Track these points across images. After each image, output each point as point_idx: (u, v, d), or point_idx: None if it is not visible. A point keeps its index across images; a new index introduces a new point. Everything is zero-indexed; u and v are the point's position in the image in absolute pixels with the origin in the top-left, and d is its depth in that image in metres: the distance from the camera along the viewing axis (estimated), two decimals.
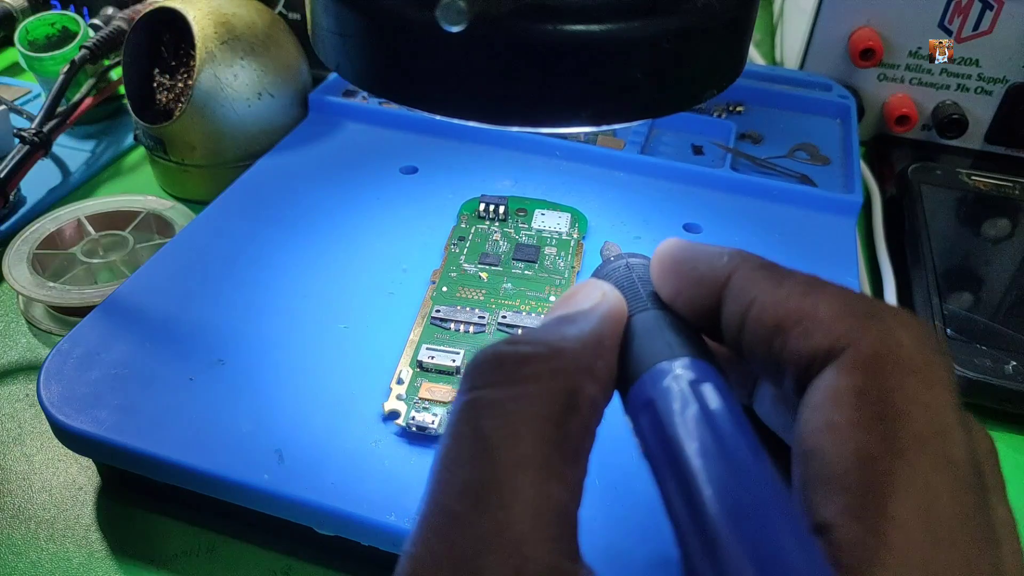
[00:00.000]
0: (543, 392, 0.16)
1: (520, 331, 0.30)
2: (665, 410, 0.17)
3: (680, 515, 0.16)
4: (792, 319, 0.17)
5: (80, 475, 0.31)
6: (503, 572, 0.14)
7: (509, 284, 0.35)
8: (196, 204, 0.43)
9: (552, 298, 0.34)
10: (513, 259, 0.36)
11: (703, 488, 0.15)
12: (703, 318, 0.19)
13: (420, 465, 0.27)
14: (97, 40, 0.47)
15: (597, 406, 0.18)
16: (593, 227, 0.39)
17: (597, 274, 0.22)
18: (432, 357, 0.30)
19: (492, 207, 0.38)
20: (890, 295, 0.41)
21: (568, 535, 0.15)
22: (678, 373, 0.18)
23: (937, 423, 0.15)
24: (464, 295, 0.34)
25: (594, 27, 0.20)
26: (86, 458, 0.28)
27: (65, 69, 0.45)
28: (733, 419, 0.16)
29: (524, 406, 0.16)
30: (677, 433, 0.16)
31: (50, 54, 0.49)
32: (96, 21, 0.50)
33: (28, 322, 0.38)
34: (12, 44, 0.51)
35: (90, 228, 0.41)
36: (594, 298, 0.20)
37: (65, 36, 0.51)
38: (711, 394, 0.17)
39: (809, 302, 0.17)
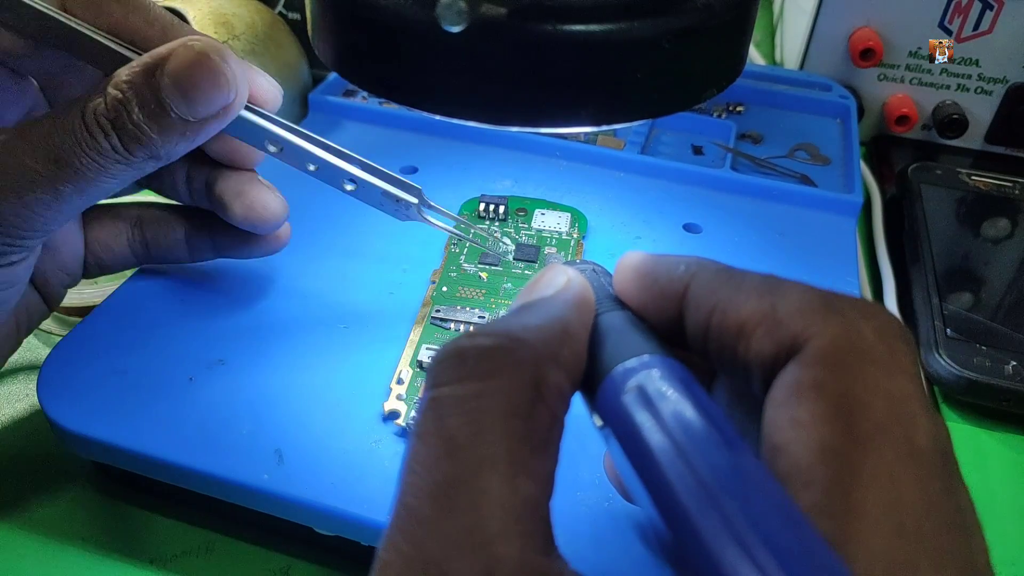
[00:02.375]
0: (506, 385, 0.16)
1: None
2: (641, 406, 0.17)
3: (665, 509, 0.15)
4: (753, 321, 0.17)
5: (79, 475, 0.31)
6: (474, 573, 0.14)
7: (509, 284, 0.35)
8: None
9: None
10: (513, 259, 0.36)
11: (682, 478, 0.15)
12: (668, 328, 0.19)
13: None
14: None
15: (564, 394, 0.17)
16: (593, 227, 0.39)
17: None
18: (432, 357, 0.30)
19: (492, 207, 0.38)
20: (890, 295, 0.41)
21: (540, 530, 0.15)
22: (651, 369, 0.17)
23: (899, 412, 0.15)
24: (464, 295, 0.34)
25: (594, 27, 0.20)
26: (85, 458, 0.28)
27: None
28: (708, 412, 0.16)
29: (488, 401, 0.16)
30: (654, 430, 0.16)
31: None
32: None
33: None
34: None
35: None
36: (558, 284, 0.19)
37: None
38: (685, 389, 0.17)
39: (768, 302, 0.17)
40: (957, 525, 0.15)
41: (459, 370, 0.16)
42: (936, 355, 0.36)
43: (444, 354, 0.17)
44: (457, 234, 0.33)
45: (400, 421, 0.28)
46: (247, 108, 0.28)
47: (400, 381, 0.30)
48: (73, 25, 0.26)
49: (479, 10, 0.19)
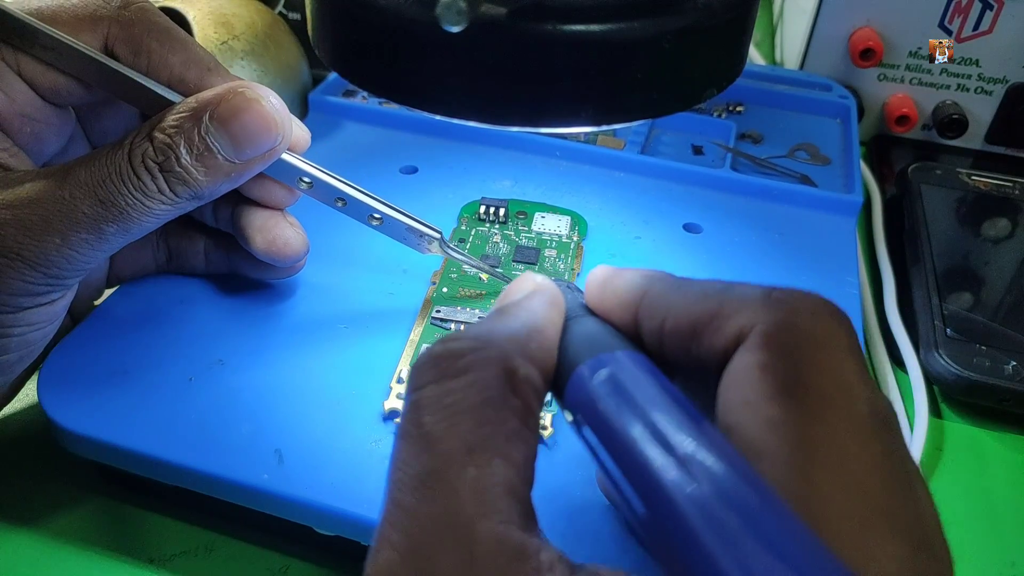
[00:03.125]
0: (477, 379, 0.17)
1: None
2: (609, 392, 0.18)
3: (641, 487, 0.16)
4: (703, 321, 0.19)
5: (79, 475, 0.31)
6: (457, 552, 0.15)
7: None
8: None
9: None
10: (513, 261, 0.36)
11: (657, 455, 0.16)
12: (631, 336, 0.21)
13: None
14: None
15: (535, 385, 0.19)
16: (593, 227, 0.39)
17: None
18: None
19: (492, 209, 0.38)
20: (890, 295, 0.41)
21: (518, 510, 0.16)
22: (618, 360, 0.19)
23: (839, 384, 0.17)
24: (464, 295, 0.34)
25: (594, 27, 0.20)
26: (85, 458, 0.28)
27: None
28: (674, 394, 0.17)
29: (460, 395, 0.17)
30: (622, 412, 0.17)
31: None
32: None
33: None
34: None
35: None
36: (526, 288, 0.21)
37: None
38: (651, 376, 0.18)
39: (716, 302, 0.19)
40: (902, 483, 0.16)
41: (434, 371, 0.18)
42: (936, 355, 0.36)
43: (421, 359, 0.18)
44: (477, 267, 0.34)
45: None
46: None
47: (401, 380, 0.30)
48: (113, 67, 0.27)
49: (479, 10, 0.19)
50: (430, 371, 0.18)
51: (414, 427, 0.17)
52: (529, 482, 0.17)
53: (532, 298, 0.21)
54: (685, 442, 0.16)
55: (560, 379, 0.20)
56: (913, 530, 0.15)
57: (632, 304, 0.21)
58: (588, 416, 0.18)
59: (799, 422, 0.16)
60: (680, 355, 0.19)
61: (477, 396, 0.17)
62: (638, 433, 0.16)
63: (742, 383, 0.17)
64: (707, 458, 0.15)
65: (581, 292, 0.23)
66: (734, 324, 0.18)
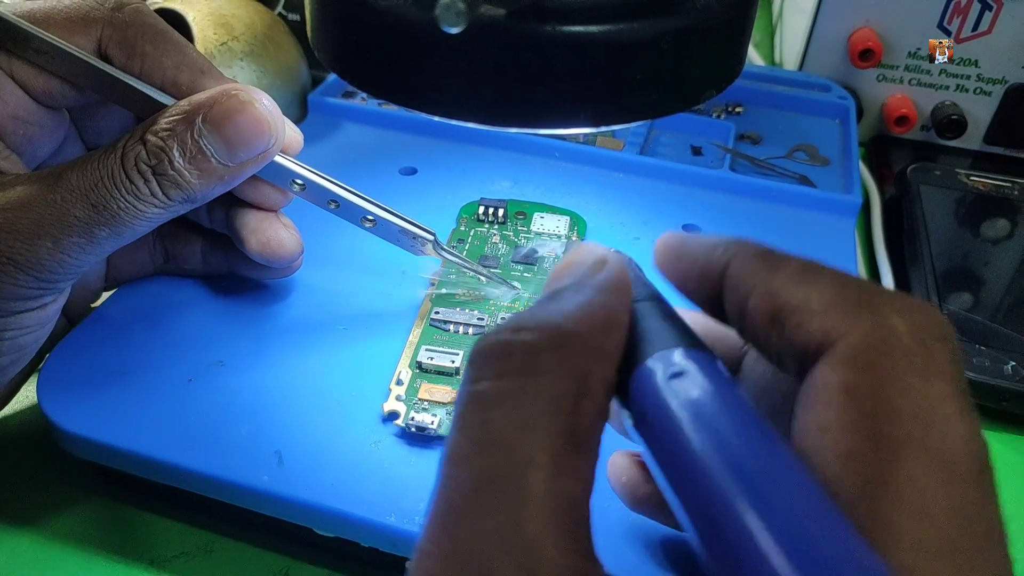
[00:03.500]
0: (554, 381, 0.16)
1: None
2: (679, 398, 0.16)
3: (700, 506, 0.15)
4: (787, 310, 0.17)
5: (79, 476, 0.31)
6: (515, 573, 0.14)
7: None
8: None
9: None
10: (512, 261, 0.36)
11: (716, 468, 0.14)
12: (709, 307, 0.19)
13: (420, 466, 0.27)
14: None
15: (609, 385, 0.17)
16: (592, 228, 0.39)
17: None
18: (431, 358, 0.30)
19: (491, 210, 0.38)
20: None
21: (582, 532, 0.15)
22: (682, 362, 0.17)
23: (932, 417, 0.15)
24: (463, 297, 0.34)
25: (593, 28, 0.20)
26: (85, 459, 0.28)
27: None
28: (748, 407, 0.16)
29: (533, 398, 0.15)
30: (693, 422, 0.16)
31: None
32: None
33: None
34: None
35: None
36: (588, 262, 0.19)
37: None
38: (725, 384, 0.16)
39: (803, 292, 0.17)
40: (991, 539, 0.14)
41: (503, 365, 0.16)
42: None
43: (487, 347, 0.16)
44: (470, 269, 0.34)
45: (399, 422, 0.28)
46: None
47: (399, 382, 0.30)
48: (106, 70, 0.27)
49: (478, 11, 0.19)
50: (499, 363, 0.16)
51: (479, 422, 0.15)
52: (590, 495, 0.15)
53: (602, 277, 0.18)
54: (757, 469, 0.14)
55: (622, 372, 0.18)
56: None
57: (714, 275, 0.18)
58: (655, 420, 0.16)
59: (881, 459, 0.14)
60: (760, 336, 0.17)
61: (552, 399, 0.15)
62: (710, 458, 0.15)
63: (822, 405, 0.15)
64: (780, 488, 0.14)
65: (637, 266, 0.21)
66: (819, 325, 0.16)
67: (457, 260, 0.33)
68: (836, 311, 0.16)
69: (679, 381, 0.16)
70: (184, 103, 0.27)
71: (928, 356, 0.15)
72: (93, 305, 0.34)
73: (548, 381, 0.16)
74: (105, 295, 0.34)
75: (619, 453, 0.23)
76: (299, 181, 0.30)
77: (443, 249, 0.33)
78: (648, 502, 0.23)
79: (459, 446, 0.15)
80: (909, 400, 0.15)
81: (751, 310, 0.17)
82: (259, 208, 0.31)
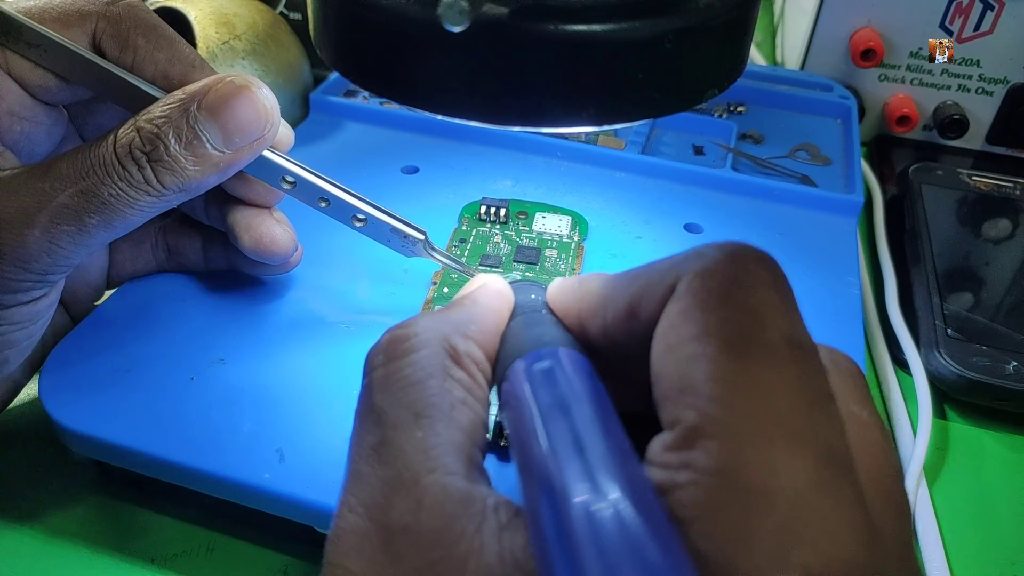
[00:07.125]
0: (419, 358, 0.19)
1: None
2: (539, 384, 0.19)
3: (536, 491, 0.17)
4: (637, 296, 0.19)
5: (80, 474, 0.31)
6: (408, 503, 0.17)
7: None
8: None
9: None
10: (514, 261, 0.36)
11: (558, 461, 0.16)
12: (585, 344, 0.21)
13: None
14: None
15: (477, 360, 0.20)
16: (593, 227, 0.39)
17: None
18: None
19: (493, 210, 0.38)
20: (891, 295, 0.41)
21: (465, 464, 0.18)
22: (557, 358, 0.19)
23: (755, 317, 0.17)
24: None
25: (596, 27, 0.20)
26: (86, 457, 0.28)
27: None
28: (604, 404, 0.18)
29: (405, 373, 0.19)
30: (549, 412, 0.18)
31: None
32: None
33: None
34: None
35: None
36: (474, 286, 0.23)
37: None
38: (585, 378, 0.19)
39: (644, 279, 0.19)
40: (811, 403, 0.16)
41: (382, 356, 0.20)
42: (937, 354, 0.36)
43: (372, 349, 0.20)
44: (461, 270, 0.33)
45: None
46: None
47: None
48: (99, 63, 0.27)
49: (481, 10, 0.20)
50: (379, 356, 0.20)
51: (366, 406, 0.19)
52: (477, 444, 0.19)
53: (476, 292, 0.23)
54: (592, 449, 0.16)
55: (501, 371, 0.21)
56: (817, 444, 0.16)
57: (573, 311, 0.21)
58: (512, 407, 0.19)
59: (716, 356, 0.16)
60: (629, 344, 0.19)
61: (420, 371, 0.19)
62: (552, 430, 0.17)
63: (666, 332, 0.17)
64: (608, 471, 0.16)
65: (542, 289, 0.24)
66: (661, 284, 0.18)
67: (446, 261, 0.33)
68: (674, 268, 0.18)
69: (539, 371, 0.19)
70: (179, 92, 0.27)
71: (747, 272, 0.18)
72: (96, 303, 0.34)
73: (415, 358, 0.19)
74: (108, 293, 0.34)
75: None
76: (289, 178, 0.30)
77: (433, 249, 0.32)
78: None
79: (356, 429, 0.19)
80: (736, 308, 0.17)
81: (611, 321, 0.20)
82: (252, 205, 0.31)
